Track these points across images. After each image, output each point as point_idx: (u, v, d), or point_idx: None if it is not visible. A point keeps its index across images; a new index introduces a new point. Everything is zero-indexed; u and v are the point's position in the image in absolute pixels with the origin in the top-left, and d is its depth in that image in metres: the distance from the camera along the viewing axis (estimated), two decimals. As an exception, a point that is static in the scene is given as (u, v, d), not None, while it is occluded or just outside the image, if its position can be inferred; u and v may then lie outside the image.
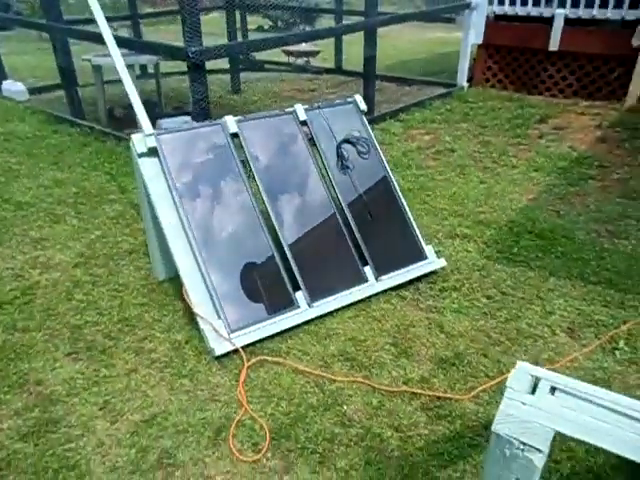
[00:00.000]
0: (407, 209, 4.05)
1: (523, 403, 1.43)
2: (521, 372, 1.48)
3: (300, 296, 3.40)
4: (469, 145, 6.62)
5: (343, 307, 3.51)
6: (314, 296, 3.44)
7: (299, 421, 2.69)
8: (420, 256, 3.88)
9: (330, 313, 3.46)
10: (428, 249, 3.95)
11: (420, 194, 5.29)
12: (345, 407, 2.77)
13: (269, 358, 3.10)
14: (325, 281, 3.53)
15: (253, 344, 3.19)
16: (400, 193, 4.11)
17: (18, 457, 2.51)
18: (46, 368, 3.06)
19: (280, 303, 3.36)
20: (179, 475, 2.43)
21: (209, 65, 5.53)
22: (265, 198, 3.59)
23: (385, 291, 3.68)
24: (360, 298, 3.55)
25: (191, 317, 3.33)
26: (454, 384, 2.87)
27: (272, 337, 3.25)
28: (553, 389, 1.52)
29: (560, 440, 2.51)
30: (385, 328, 3.35)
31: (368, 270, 3.67)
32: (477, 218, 4.75)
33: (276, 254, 3.46)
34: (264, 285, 3.38)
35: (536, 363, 2.96)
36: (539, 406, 1.42)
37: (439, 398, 2.79)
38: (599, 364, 2.95)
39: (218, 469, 2.46)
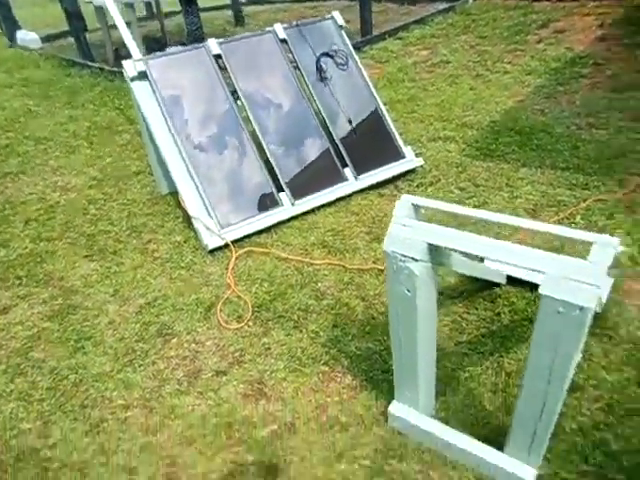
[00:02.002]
0: (386, 114, 4.17)
1: (404, 225, 1.66)
2: (403, 202, 1.70)
3: (283, 196, 3.66)
4: (465, 56, 6.51)
5: (324, 204, 3.75)
6: (296, 196, 3.68)
7: (278, 297, 3.01)
8: (398, 156, 4.04)
9: (312, 210, 3.71)
10: (406, 150, 4.10)
11: (410, 104, 5.35)
12: (320, 284, 3.08)
13: (255, 249, 3.42)
14: (307, 182, 3.77)
15: (242, 239, 3.50)
16: (380, 100, 4.21)
17: (47, 332, 2.96)
18: (67, 268, 3.48)
19: (265, 203, 3.63)
20: (175, 342, 2.82)
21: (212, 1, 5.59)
22: (248, 108, 3.78)
23: (365, 190, 3.89)
24: (340, 196, 3.78)
25: (189, 222, 3.65)
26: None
27: (259, 233, 3.55)
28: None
29: (504, 296, 2.76)
30: (362, 220, 3.59)
31: (348, 171, 3.87)
32: (461, 122, 4.81)
33: (259, 159, 3.69)
34: (250, 187, 3.65)
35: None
36: (415, 226, 1.66)
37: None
38: (555, 235, 3.11)
39: (207, 336, 2.83)
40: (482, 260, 2.84)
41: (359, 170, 3.89)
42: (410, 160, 4.03)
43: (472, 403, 2.26)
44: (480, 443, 1.99)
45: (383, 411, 2.25)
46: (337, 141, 3.90)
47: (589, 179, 3.60)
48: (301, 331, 2.76)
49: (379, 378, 2.43)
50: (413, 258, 1.65)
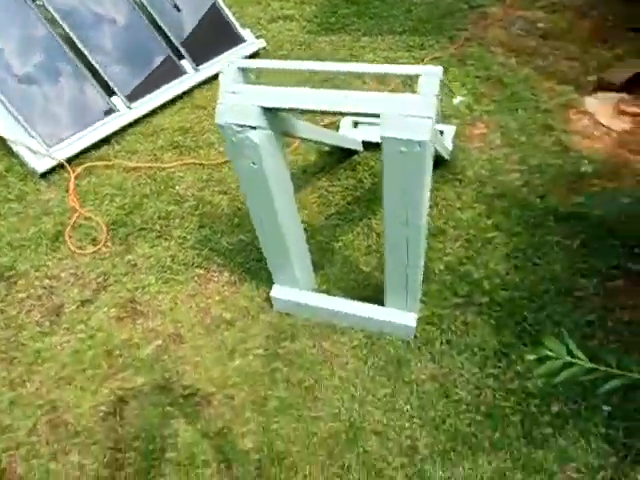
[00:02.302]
0: (218, -4, 3.65)
1: (233, 92, 1.43)
2: (229, 68, 1.45)
3: (117, 100, 3.13)
4: None
5: (167, 103, 3.29)
6: (132, 98, 3.17)
7: (134, 210, 2.65)
8: (238, 40, 3.62)
9: (154, 112, 3.25)
10: (246, 33, 3.69)
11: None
12: (177, 187, 2.76)
13: (98, 163, 2.93)
14: (142, 83, 3.24)
15: (79, 155, 2.97)
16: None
17: None
18: None
19: (97, 112, 3.07)
20: (23, 283, 2.38)
21: None
22: (61, 21, 3.04)
23: (208, 81, 3.47)
24: (182, 91, 3.33)
25: (9, 149, 2.98)
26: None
27: (98, 145, 3.04)
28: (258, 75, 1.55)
29: (363, 162, 2.71)
30: (211, 113, 3.22)
31: (185, 63, 3.40)
32: (299, -2, 4.42)
33: (85, 70, 3.07)
34: (76, 98, 3.04)
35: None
36: (245, 91, 1.44)
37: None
38: (400, 98, 3.08)
39: (61, 268, 2.43)
40: (356, 125, 2.76)
41: (198, 61, 3.43)
42: (251, 43, 3.65)
43: (350, 269, 2.25)
44: (363, 304, 1.99)
45: (267, 298, 2.15)
46: (168, 32, 3.35)
47: (424, 39, 3.56)
48: (166, 239, 2.49)
49: (257, 267, 2.30)
50: (250, 126, 1.43)
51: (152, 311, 2.21)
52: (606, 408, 1.69)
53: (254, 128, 1.44)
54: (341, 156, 2.74)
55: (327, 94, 1.39)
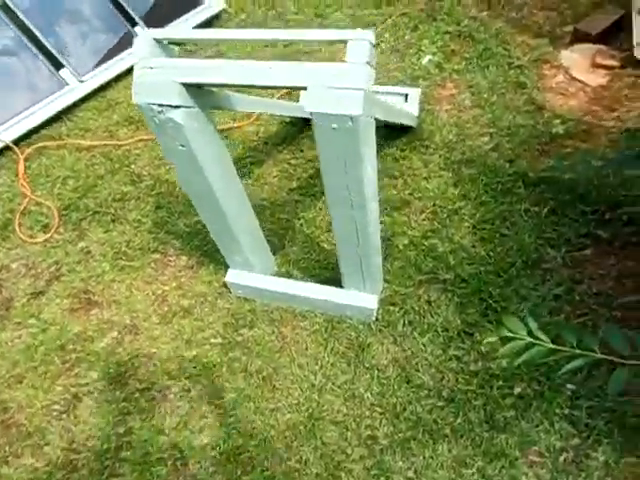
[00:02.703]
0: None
1: (150, 68, 1.22)
2: (144, 39, 1.23)
3: (65, 73, 2.84)
4: None
5: (124, 73, 3.01)
6: (82, 71, 2.88)
7: (88, 192, 2.45)
8: (195, 3, 3.29)
9: (110, 84, 2.97)
10: (205, -7, 3.34)
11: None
12: (133, 166, 2.54)
13: (49, 144, 2.70)
14: (94, 52, 2.95)
15: (27, 136, 2.73)
16: None
17: None
18: None
19: (46, 88, 2.80)
20: (-27, 275, 2.20)
21: None
22: None
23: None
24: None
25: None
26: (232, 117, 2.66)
27: (48, 124, 2.78)
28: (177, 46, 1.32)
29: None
30: (168, 84, 2.95)
31: (139, 30, 3.08)
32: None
33: (25, 38, 2.77)
34: (20, 72, 2.76)
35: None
36: (163, 65, 1.22)
37: (222, 131, 2.60)
38: (365, 59, 2.81)
39: (11, 258, 2.26)
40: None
41: (152, 24, 3.11)
42: (209, 6, 3.32)
43: (311, 248, 2.08)
44: (322, 286, 1.83)
45: (225, 282, 1.98)
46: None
47: (394, -8, 3.23)
48: (121, 223, 2.30)
49: (215, 250, 2.09)
50: (171, 105, 1.22)
51: (107, 301, 2.05)
52: (570, 387, 1.57)
53: (177, 107, 1.23)
54: (303, 126, 2.51)
55: (251, 67, 1.18)
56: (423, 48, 2.84)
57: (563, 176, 2.10)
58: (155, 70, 1.22)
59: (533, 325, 1.39)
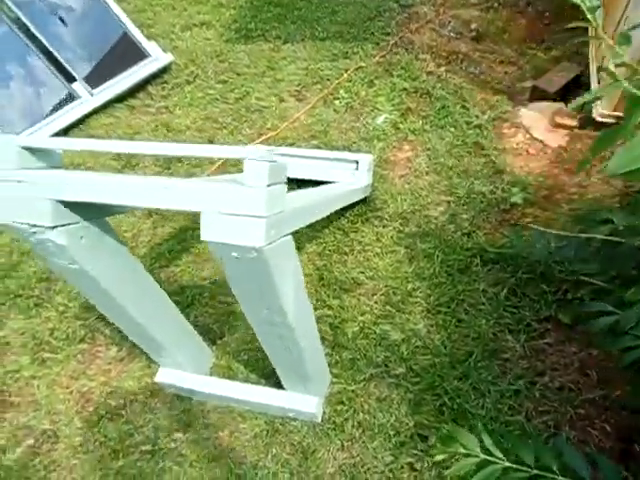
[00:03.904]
0: (114, 6, 3.27)
1: (19, 181, 1.14)
2: (6, 144, 1.15)
3: (-5, 136, 2.76)
4: None
5: (58, 133, 2.94)
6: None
7: (10, 271, 2.34)
8: (141, 56, 3.27)
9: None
10: (150, 46, 3.34)
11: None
12: (64, 240, 2.44)
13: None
14: (20, 113, 2.88)
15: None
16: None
17: None
18: None
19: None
20: None
21: None
22: None
23: (109, 105, 3.13)
24: (75, 119, 2.98)
25: None
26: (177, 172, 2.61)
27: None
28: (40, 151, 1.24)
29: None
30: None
31: (78, 86, 3.04)
32: (217, 1, 4.07)
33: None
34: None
35: (260, 134, 2.78)
36: (33, 179, 1.14)
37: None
38: (318, 117, 2.83)
39: None
40: None
41: (93, 83, 3.07)
42: (156, 59, 3.30)
43: (254, 336, 1.98)
44: (261, 388, 1.76)
45: (158, 378, 1.88)
46: (53, 51, 2.99)
47: (348, 46, 3.29)
48: (46, 308, 2.19)
49: (148, 339, 2.02)
50: (45, 226, 1.14)
51: (24, 402, 1.92)
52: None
53: (54, 228, 1.15)
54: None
55: (143, 185, 1.10)
56: (379, 106, 2.87)
57: (518, 252, 2.09)
58: (24, 184, 1.13)
59: (487, 441, 1.33)
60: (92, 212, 1.23)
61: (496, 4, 3.63)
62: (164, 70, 3.35)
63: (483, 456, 1.30)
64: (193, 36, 3.71)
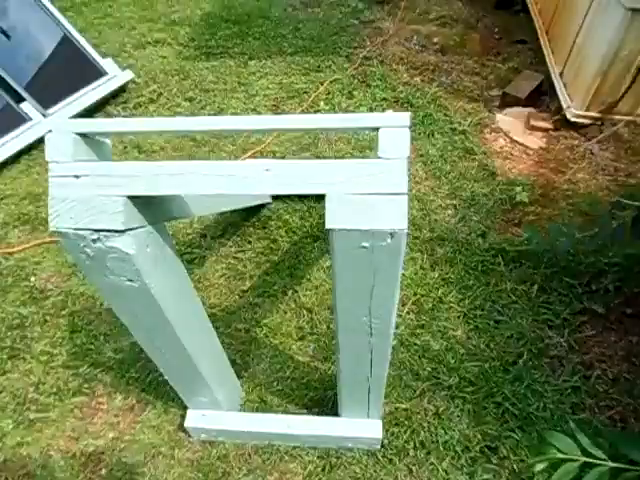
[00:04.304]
0: (65, 21, 2.99)
1: (76, 176, 0.94)
2: (60, 136, 0.96)
3: None
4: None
5: (7, 161, 2.59)
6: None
7: (-28, 317, 1.96)
8: (96, 74, 3.01)
9: (-10, 175, 2.53)
10: (107, 63, 3.09)
11: (100, 6, 4.13)
12: (33, 279, 2.11)
13: None
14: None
15: None
16: (50, 3, 2.98)
17: None
18: None
19: None
20: None
21: None
22: None
23: (63, 128, 2.81)
24: (29, 143, 2.65)
25: None
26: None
27: None
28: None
29: (274, 216, 2.28)
30: (71, 170, 2.59)
31: (27, 106, 2.72)
32: (170, 19, 3.89)
33: None
34: None
35: (245, 150, 2.61)
36: (96, 172, 0.94)
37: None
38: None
39: None
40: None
41: (45, 102, 2.77)
42: (114, 76, 3.06)
43: (284, 364, 1.81)
44: (313, 418, 1.57)
45: (182, 423, 1.63)
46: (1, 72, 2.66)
47: (319, 60, 3.25)
48: (24, 359, 1.85)
49: (161, 381, 1.76)
50: (115, 230, 0.93)
51: (13, 476, 1.58)
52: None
53: (123, 232, 0.94)
54: (246, 212, 2.29)
55: (236, 170, 0.91)
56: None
57: (536, 248, 2.09)
58: (84, 180, 0.93)
59: (585, 441, 1.25)
60: (157, 212, 1.03)
61: (450, 20, 3.78)
62: (122, 89, 3.10)
63: (584, 458, 1.22)
64: (148, 55, 3.51)
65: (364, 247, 0.90)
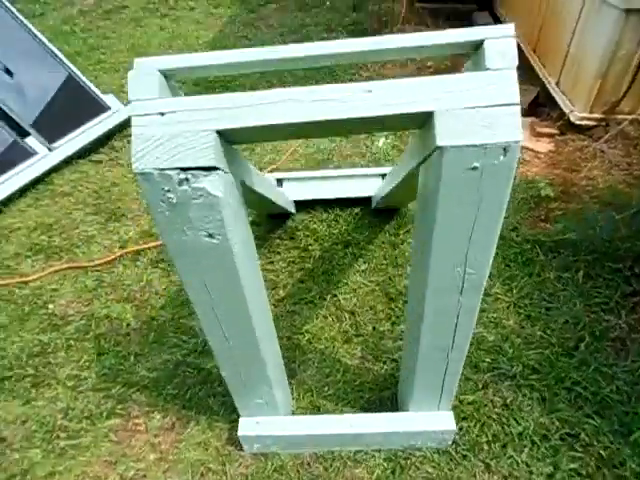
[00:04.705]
0: (64, 58, 3.02)
1: (161, 114, 0.90)
2: (144, 71, 0.92)
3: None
4: (139, -2, 5.55)
5: (14, 195, 2.52)
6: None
7: (-11, 351, 1.82)
8: (100, 109, 3.01)
9: (-2, 209, 2.45)
10: (109, 99, 3.10)
11: (93, 55, 4.21)
12: (52, 306, 1.99)
13: None
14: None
15: None
16: (48, 42, 3.01)
17: None
18: None
19: None
20: None
21: None
22: None
23: (70, 162, 2.78)
24: (34, 177, 2.59)
25: None
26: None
27: None
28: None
29: (301, 227, 2.23)
30: (81, 200, 2.53)
31: (32, 140, 2.68)
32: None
33: None
34: None
35: (261, 169, 2.59)
36: (183, 107, 0.89)
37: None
38: (317, 148, 2.76)
39: None
40: (280, 183, 2.24)
41: (51, 137, 2.74)
42: (117, 110, 3.06)
43: (332, 367, 1.70)
44: (371, 415, 1.45)
45: (230, 437, 1.50)
46: (2, 105, 2.64)
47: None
48: (49, 385, 1.71)
49: (202, 396, 1.64)
50: (203, 167, 0.87)
51: (47, 510, 1.41)
52: None
53: (210, 170, 0.88)
54: (271, 224, 2.24)
55: (337, 92, 0.87)
56: (373, 132, 2.84)
57: (573, 237, 2.07)
58: (169, 117, 0.88)
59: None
60: (235, 169, 0.98)
61: (440, 47, 3.93)
62: (126, 124, 3.10)
63: None
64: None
65: (474, 168, 0.85)
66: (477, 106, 0.83)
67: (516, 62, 0.84)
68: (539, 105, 3.21)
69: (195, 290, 1.06)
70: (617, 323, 1.74)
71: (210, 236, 0.95)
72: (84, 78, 3.03)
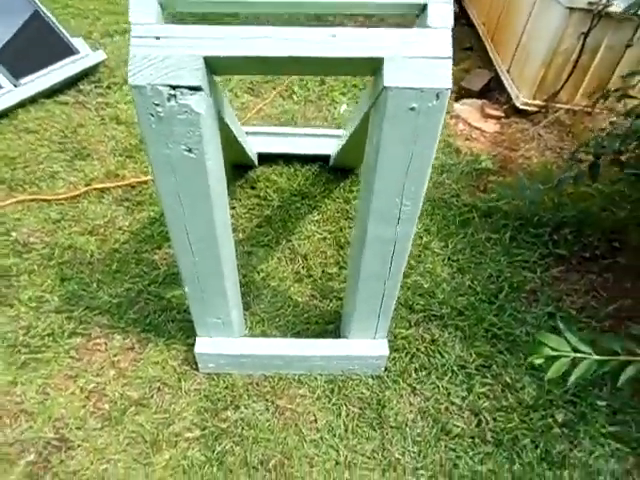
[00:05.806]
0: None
1: (157, 37, 0.98)
2: (144, 4, 1.00)
3: None
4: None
5: (-21, 128, 2.46)
6: None
7: (-50, 272, 1.82)
8: (68, 51, 2.93)
9: (-40, 139, 2.39)
10: (78, 42, 3.02)
11: (58, -1, 4.03)
12: (15, 233, 2.00)
13: None
14: None
15: None
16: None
17: None
18: None
19: None
20: None
21: None
22: None
23: (36, 100, 2.71)
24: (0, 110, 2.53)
25: None
26: (146, 167, 2.34)
27: None
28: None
29: (261, 178, 2.32)
30: (46, 137, 2.50)
31: (-1, 75, 2.60)
32: (132, 11, 3.86)
33: None
34: None
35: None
36: (176, 33, 0.98)
37: (133, 186, 2.24)
38: (282, 109, 2.81)
39: None
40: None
41: (16, 72, 2.66)
42: (86, 55, 2.99)
43: (284, 302, 1.82)
44: (316, 340, 1.59)
45: (185, 358, 1.61)
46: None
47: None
48: (11, 305, 1.74)
49: (161, 320, 1.73)
50: (190, 87, 0.97)
51: (10, 414, 1.47)
52: (601, 403, 1.56)
53: (194, 90, 0.97)
54: (234, 174, 2.31)
55: (306, 35, 0.98)
56: (336, 99, 2.94)
57: (505, 205, 2.26)
58: (164, 41, 0.96)
59: (573, 339, 1.37)
60: (214, 95, 1.06)
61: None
62: (94, 69, 3.04)
63: (574, 354, 1.33)
64: (116, 42, 3.47)
65: (412, 109, 0.98)
66: (419, 56, 0.95)
67: (452, 23, 0.97)
68: (491, 89, 3.39)
69: (170, 204, 1.15)
70: (532, 278, 1.95)
71: (189, 150, 1.04)
72: (53, 18, 2.93)
